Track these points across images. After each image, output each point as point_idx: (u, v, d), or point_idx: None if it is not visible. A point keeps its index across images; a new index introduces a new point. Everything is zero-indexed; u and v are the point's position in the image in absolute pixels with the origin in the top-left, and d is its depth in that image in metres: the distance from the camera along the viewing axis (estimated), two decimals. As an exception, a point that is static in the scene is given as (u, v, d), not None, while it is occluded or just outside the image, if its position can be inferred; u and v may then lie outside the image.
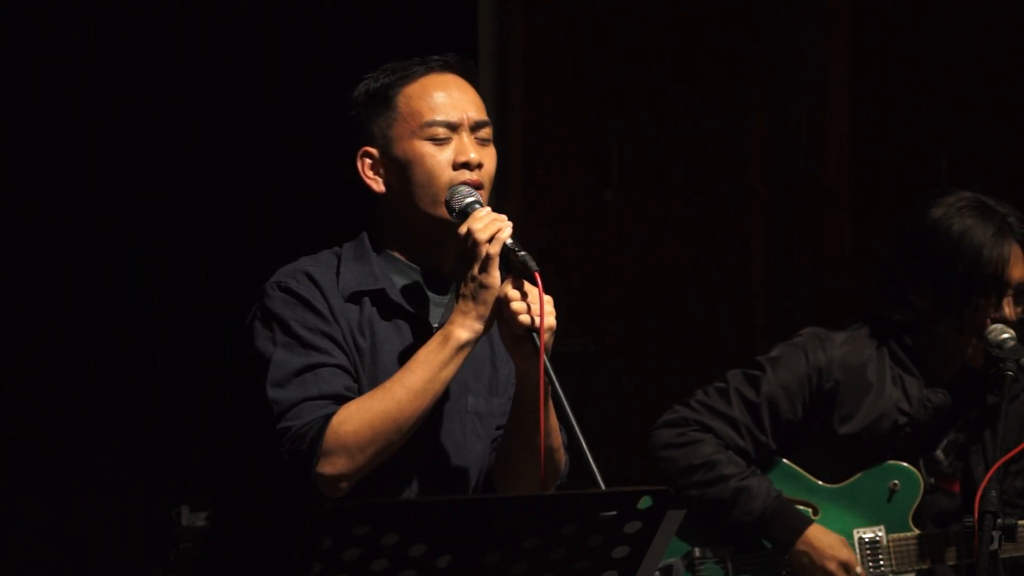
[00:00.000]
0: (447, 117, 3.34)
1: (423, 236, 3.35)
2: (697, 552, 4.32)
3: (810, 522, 4.30)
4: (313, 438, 3.19)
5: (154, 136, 5.29)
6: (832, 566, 4.28)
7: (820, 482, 4.38)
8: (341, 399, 3.24)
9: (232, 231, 5.35)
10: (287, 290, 3.32)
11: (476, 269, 3.20)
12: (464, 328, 3.21)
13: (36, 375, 5.20)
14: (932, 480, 4.39)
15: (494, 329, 3.27)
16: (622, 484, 2.89)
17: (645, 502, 2.77)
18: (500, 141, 3.57)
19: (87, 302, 5.24)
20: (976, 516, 3.81)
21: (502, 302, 3.20)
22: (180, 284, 5.30)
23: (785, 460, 4.39)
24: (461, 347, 3.22)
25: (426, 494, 3.33)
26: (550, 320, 3.20)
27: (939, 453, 4.40)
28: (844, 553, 4.29)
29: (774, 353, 4.40)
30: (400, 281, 3.38)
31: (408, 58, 3.42)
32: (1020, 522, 4.05)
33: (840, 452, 4.35)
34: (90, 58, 5.23)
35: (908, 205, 4.47)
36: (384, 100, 3.38)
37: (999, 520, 3.81)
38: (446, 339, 3.22)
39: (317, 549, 2.63)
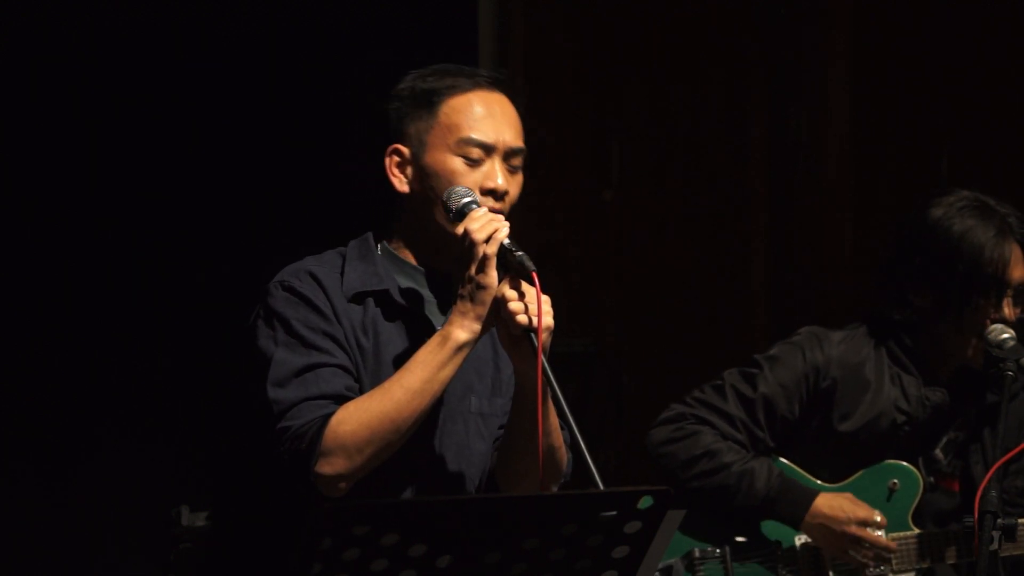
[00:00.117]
0: (484, 138, 3.33)
1: (436, 245, 3.34)
2: (697, 552, 4.32)
3: (815, 493, 4.29)
4: (312, 438, 3.20)
5: (154, 136, 5.29)
6: (852, 529, 4.27)
7: (819, 481, 4.38)
8: (341, 399, 3.24)
9: (232, 231, 5.35)
10: (290, 289, 3.32)
11: (473, 269, 3.20)
12: (463, 329, 3.21)
13: (36, 375, 5.20)
14: (931, 479, 4.39)
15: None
16: (622, 484, 2.89)
17: (645, 502, 2.77)
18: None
19: (87, 302, 5.24)
20: (976, 516, 3.81)
21: (500, 302, 3.20)
22: (180, 284, 5.30)
23: (784, 459, 4.39)
24: (460, 348, 3.22)
25: (429, 494, 3.33)
26: (548, 320, 3.20)
27: (938, 452, 4.40)
28: (859, 511, 4.28)
29: (772, 352, 4.41)
30: (404, 282, 3.38)
31: (448, 67, 3.41)
32: (1020, 522, 4.04)
33: (839, 451, 4.35)
34: (90, 58, 5.23)
35: (908, 205, 4.47)
36: (427, 104, 3.37)
37: (999, 520, 3.81)
38: (445, 340, 3.22)
39: (317, 549, 2.63)
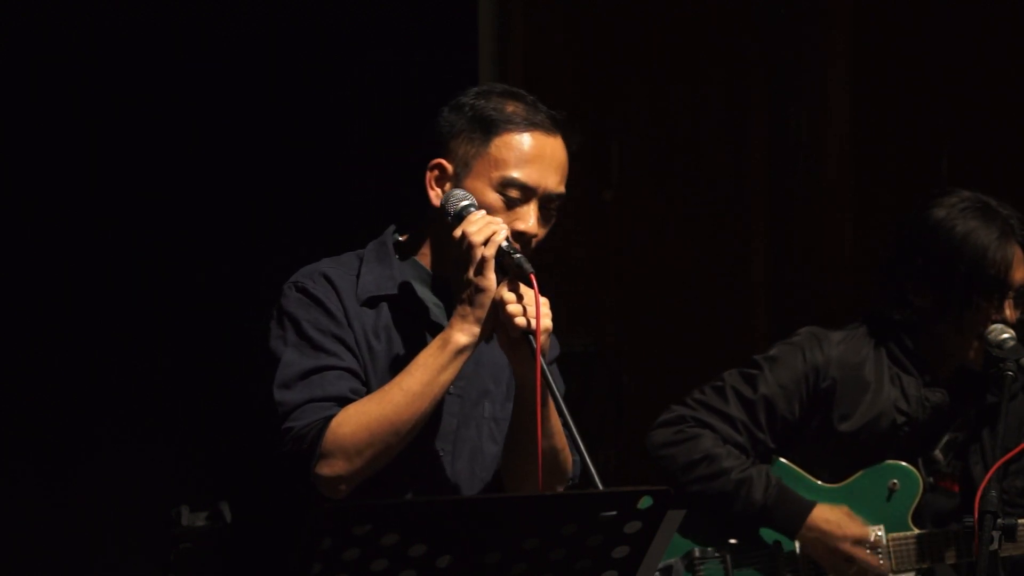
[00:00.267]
0: (527, 180, 3.33)
1: (457, 263, 3.33)
2: (697, 552, 4.32)
3: (812, 505, 4.29)
4: (313, 439, 3.21)
5: (154, 136, 5.28)
6: (846, 547, 4.27)
7: (819, 482, 4.38)
8: (344, 401, 3.25)
9: (232, 231, 5.35)
10: (303, 290, 3.34)
11: (472, 272, 3.20)
12: (462, 332, 3.22)
13: (36, 375, 5.20)
14: (931, 479, 4.39)
15: None
16: (622, 484, 2.89)
17: (645, 502, 2.77)
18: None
19: (87, 302, 5.24)
20: (976, 516, 3.81)
21: (498, 305, 3.20)
22: (180, 284, 5.30)
23: (784, 460, 4.39)
24: (459, 351, 3.23)
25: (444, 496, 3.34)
26: (546, 322, 3.20)
27: (938, 453, 4.40)
28: (854, 528, 4.28)
29: (771, 352, 4.41)
30: (420, 286, 3.39)
31: (515, 93, 3.40)
32: (1020, 522, 4.04)
33: (839, 451, 4.35)
34: (90, 58, 5.23)
35: (908, 205, 4.47)
36: (482, 129, 3.35)
37: (999, 520, 3.81)
38: (445, 343, 3.23)
39: (317, 549, 2.63)
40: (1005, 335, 4.22)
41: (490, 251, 3.19)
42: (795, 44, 6.00)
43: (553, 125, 3.38)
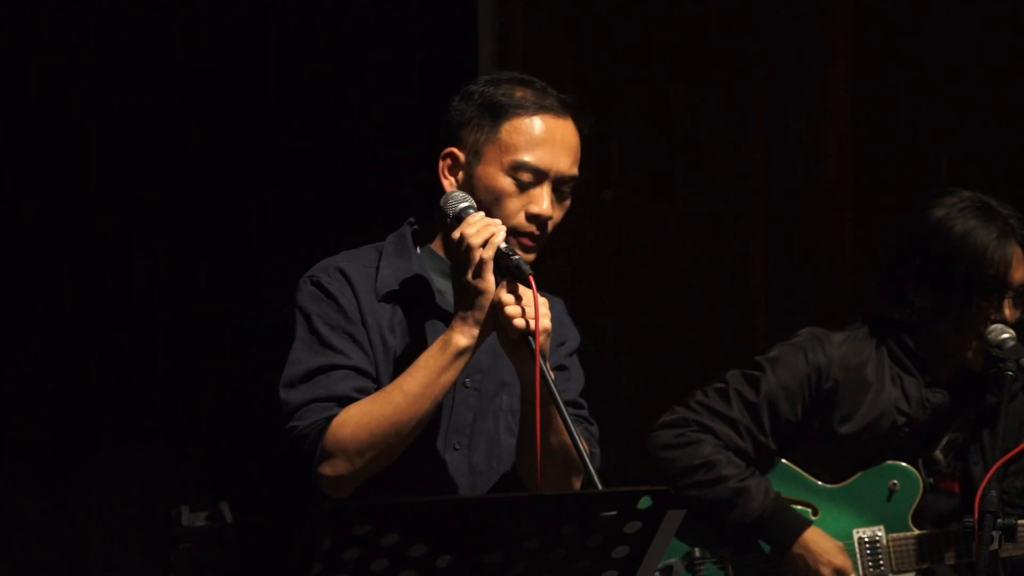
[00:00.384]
0: (538, 163, 3.34)
1: (456, 265, 3.31)
2: (697, 552, 4.32)
3: (808, 524, 4.30)
4: (314, 439, 3.22)
5: (154, 136, 5.28)
6: (826, 572, 4.28)
7: (820, 482, 4.38)
8: (347, 401, 3.26)
9: (232, 231, 5.35)
10: (317, 285, 3.35)
11: (470, 274, 3.20)
12: (462, 334, 3.23)
13: (36, 375, 5.20)
14: (931, 480, 4.39)
15: None
16: (622, 484, 2.89)
17: (645, 502, 2.77)
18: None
19: (87, 302, 5.24)
20: (976, 516, 3.81)
21: (497, 307, 3.20)
22: (180, 284, 5.30)
23: (784, 460, 4.39)
24: (459, 353, 3.24)
25: (461, 489, 3.36)
26: (545, 323, 3.21)
27: (938, 453, 4.40)
28: (839, 559, 4.29)
29: (773, 353, 4.40)
30: (438, 279, 3.39)
31: (523, 79, 3.42)
32: (1020, 522, 4.05)
33: (839, 452, 4.35)
34: (90, 58, 5.23)
35: (908, 205, 4.47)
36: (492, 116, 3.36)
37: (999, 520, 3.81)
38: (445, 345, 3.24)
39: (317, 549, 2.63)
40: (1005, 335, 4.22)
41: (488, 253, 3.20)
42: (795, 44, 6.00)
43: (563, 108, 3.39)
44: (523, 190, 3.33)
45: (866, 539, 4.35)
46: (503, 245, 3.21)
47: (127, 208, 5.27)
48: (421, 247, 3.42)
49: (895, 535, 4.34)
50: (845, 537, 4.34)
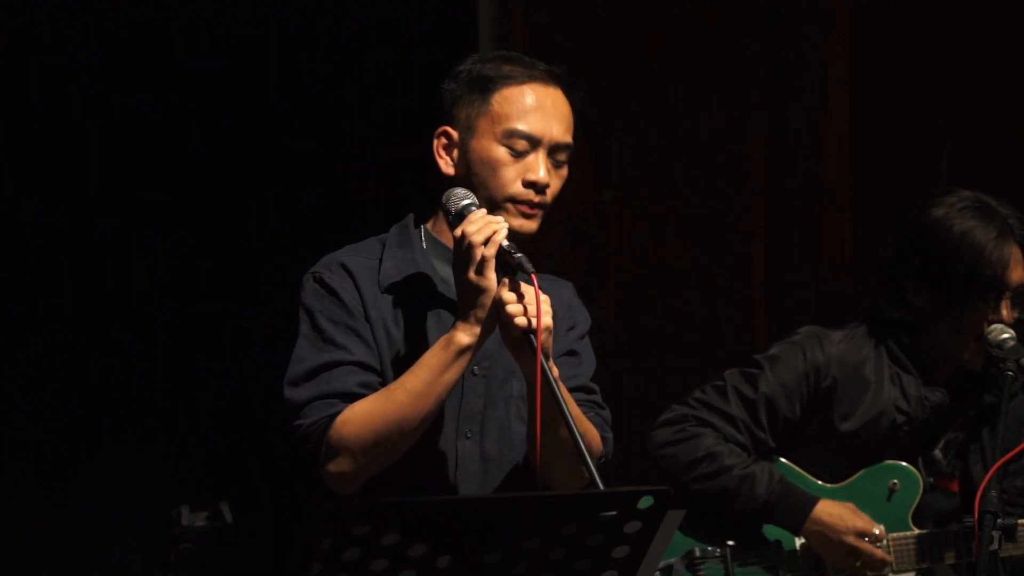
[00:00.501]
0: (531, 130, 3.35)
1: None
2: (697, 552, 4.32)
3: (816, 500, 4.29)
4: (319, 437, 3.23)
5: (154, 136, 5.29)
6: (850, 539, 4.27)
7: (820, 482, 4.38)
8: (351, 397, 3.26)
9: (232, 231, 5.35)
10: (320, 281, 3.36)
11: (472, 272, 3.20)
12: (465, 333, 3.23)
13: (36, 375, 5.20)
14: (931, 479, 4.39)
15: None
16: (622, 484, 2.89)
17: (645, 502, 2.77)
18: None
19: (87, 302, 5.24)
20: (976, 516, 3.81)
21: (499, 305, 3.20)
22: (180, 284, 5.30)
23: (784, 459, 4.39)
24: (462, 351, 3.24)
25: (473, 476, 3.36)
26: (547, 320, 3.20)
27: (937, 452, 4.40)
28: (858, 522, 4.28)
29: (772, 352, 4.41)
30: (443, 268, 3.39)
31: (510, 56, 3.42)
32: (1020, 522, 4.04)
33: (839, 451, 4.35)
34: (90, 58, 5.23)
35: (908, 205, 4.47)
36: (481, 90, 3.38)
37: (999, 520, 3.80)
38: (448, 343, 3.24)
39: (317, 549, 2.63)
40: (1005, 335, 4.22)
41: (490, 251, 3.20)
42: (795, 44, 5.99)
43: (552, 77, 3.40)
44: (518, 158, 3.34)
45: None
46: (505, 243, 3.21)
47: (127, 208, 5.27)
48: (425, 236, 3.42)
49: (895, 535, 4.34)
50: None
